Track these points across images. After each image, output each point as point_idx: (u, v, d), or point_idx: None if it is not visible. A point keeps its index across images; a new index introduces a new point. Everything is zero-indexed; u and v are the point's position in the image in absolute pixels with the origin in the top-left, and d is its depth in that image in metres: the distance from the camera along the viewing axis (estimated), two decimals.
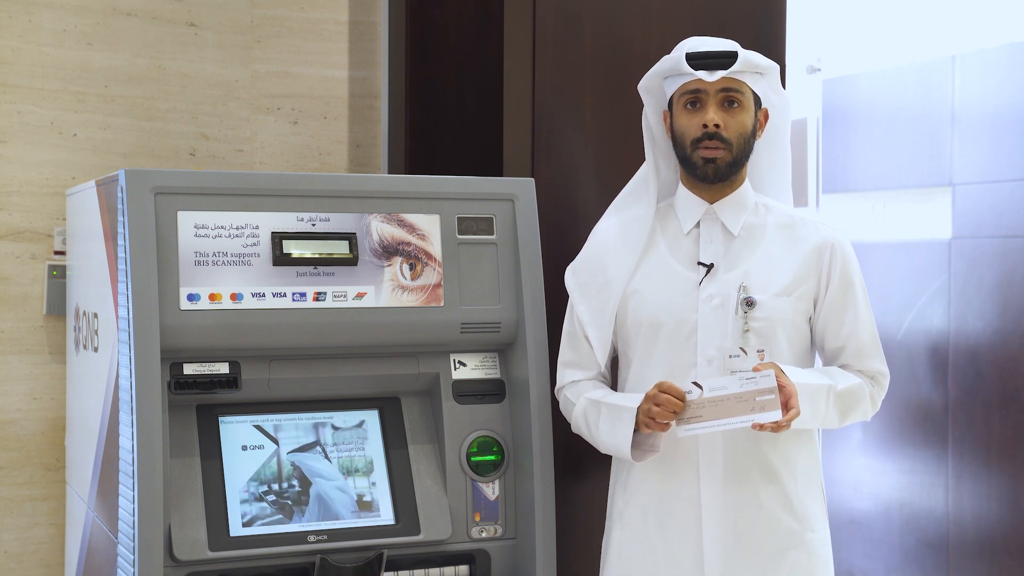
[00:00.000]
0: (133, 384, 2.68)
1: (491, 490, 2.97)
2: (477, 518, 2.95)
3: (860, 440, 5.28)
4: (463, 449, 2.95)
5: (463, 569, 2.95)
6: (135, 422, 2.68)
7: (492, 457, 2.97)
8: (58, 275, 3.51)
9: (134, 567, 2.67)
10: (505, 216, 2.99)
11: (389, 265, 2.89)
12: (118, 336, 2.79)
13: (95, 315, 3.06)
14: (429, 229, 2.93)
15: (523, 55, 3.30)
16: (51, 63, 3.54)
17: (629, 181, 2.93)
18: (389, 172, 3.90)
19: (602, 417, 2.77)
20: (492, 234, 2.98)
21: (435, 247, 2.93)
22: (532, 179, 3.04)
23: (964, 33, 5.25)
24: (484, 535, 2.95)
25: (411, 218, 2.92)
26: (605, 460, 3.38)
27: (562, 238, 3.29)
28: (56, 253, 3.53)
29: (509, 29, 3.33)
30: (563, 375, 2.91)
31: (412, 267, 2.91)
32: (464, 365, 2.99)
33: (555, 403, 3.00)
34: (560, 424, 3.08)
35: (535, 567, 2.92)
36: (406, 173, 3.83)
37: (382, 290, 2.88)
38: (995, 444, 4.85)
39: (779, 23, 3.51)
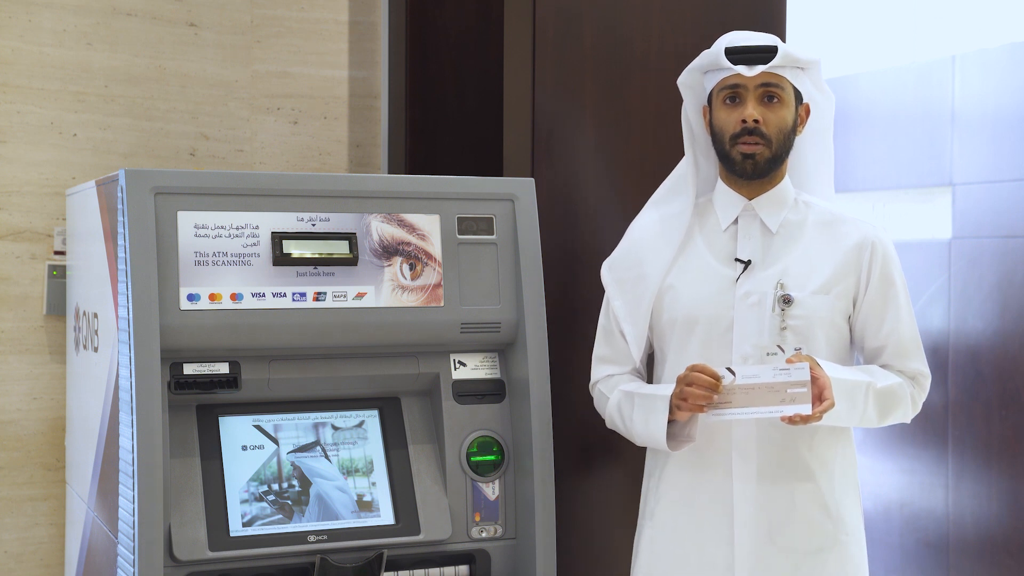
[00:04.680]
0: (133, 384, 2.68)
1: (491, 490, 2.97)
2: (477, 518, 2.95)
3: (860, 440, 5.28)
4: (463, 449, 2.94)
5: (463, 569, 2.94)
6: (135, 422, 2.68)
7: (492, 457, 2.97)
8: (58, 275, 3.51)
9: (134, 567, 2.67)
10: (505, 216, 2.99)
11: (389, 265, 2.89)
12: (118, 336, 2.79)
13: (95, 315, 3.06)
14: (429, 229, 2.93)
15: (523, 55, 3.30)
16: (51, 63, 3.54)
17: (668, 176, 2.88)
18: (389, 172, 3.90)
19: (636, 408, 2.74)
20: (492, 234, 2.98)
21: (435, 247, 2.93)
22: (532, 179, 3.04)
23: (964, 33, 5.25)
24: (484, 535, 2.95)
25: (411, 218, 2.92)
26: (605, 461, 3.38)
27: (562, 238, 3.29)
28: (56, 253, 3.53)
29: (509, 29, 3.33)
30: (597, 370, 2.88)
31: (412, 267, 2.91)
32: (464, 365, 2.99)
33: (555, 403, 2.99)
34: (560, 424, 3.08)
35: (535, 567, 2.92)
36: (406, 173, 3.83)
37: (382, 290, 2.88)
38: (995, 444, 4.85)
39: (779, 23, 3.51)
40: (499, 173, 3.33)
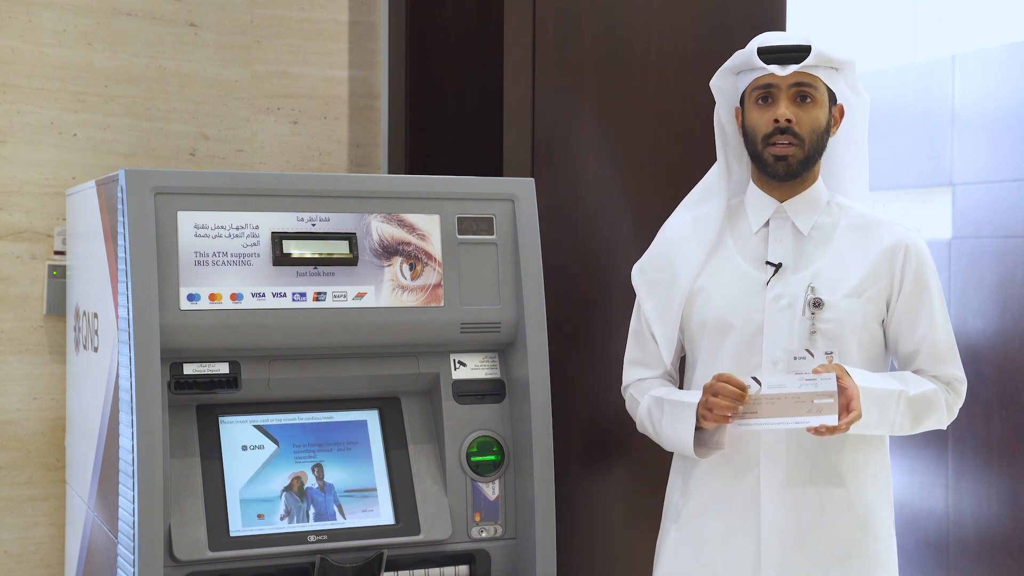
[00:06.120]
0: (133, 384, 2.68)
1: (491, 490, 2.97)
2: (477, 518, 2.95)
3: None
4: (463, 449, 2.94)
5: (463, 569, 2.94)
6: (135, 422, 2.68)
7: (492, 457, 2.97)
8: (58, 275, 3.51)
9: (134, 567, 2.67)
10: (505, 216, 2.99)
11: (389, 265, 2.89)
12: (118, 336, 2.79)
13: (95, 315, 3.06)
14: (429, 229, 2.93)
15: (523, 55, 3.30)
16: (51, 63, 3.54)
17: (700, 180, 2.86)
18: (389, 172, 3.90)
19: (665, 415, 2.71)
20: (492, 234, 2.98)
21: (435, 247, 2.93)
22: (532, 179, 3.04)
23: (964, 33, 5.25)
24: (484, 535, 2.95)
25: (411, 218, 2.92)
26: (605, 461, 3.38)
27: (562, 238, 3.29)
28: (56, 253, 3.53)
29: (509, 29, 3.33)
30: (629, 373, 2.86)
31: (412, 267, 2.91)
32: (464, 365, 2.99)
33: (555, 403, 2.99)
34: (560, 424, 3.08)
35: (535, 567, 2.92)
36: (406, 173, 3.83)
37: (382, 290, 2.88)
38: (995, 444, 4.85)
39: (779, 23, 3.51)
40: (499, 173, 3.33)
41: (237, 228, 2.80)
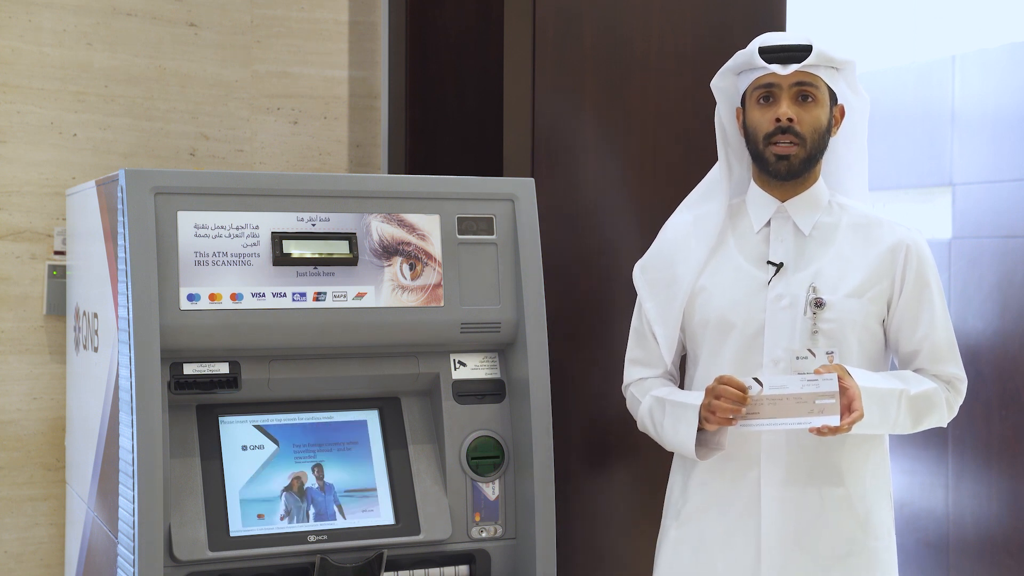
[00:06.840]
0: (133, 384, 2.68)
1: (491, 490, 2.97)
2: (477, 518, 2.95)
3: None
4: (463, 449, 2.94)
5: (463, 569, 2.94)
6: (135, 422, 2.68)
7: (492, 457, 2.97)
8: (58, 275, 3.51)
9: (134, 567, 2.67)
10: (505, 216, 2.99)
11: (389, 265, 2.89)
12: (118, 336, 2.79)
13: (95, 315, 3.06)
14: (429, 229, 2.93)
15: (523, 55, 3.30)
16: (51, 63, 3.54)
17: (701, 180, 2.86)
18: (389, 172, 3.90)
19: (667, 415, 2.71)
20: (492, 234, 2.98)
21: (435, 247, 2.93)
22: (532, 179, 3.04)
23: (964, 33, 5.25)
24: (484, 535, 2.95)
25: (411, 218, 2.92)
26: (605, 460, 3.38)
27: (562, 238, 3.29)
28: (56, 253, 3.53)
29: (509, 29, 3.33)
30: (630, 372, 2.86)
31: (412, 267, 2.91)
32: (464, 365, 2.99)
33: (555, 403, 2.99)
34: (560, 424, 3.08)
35: (535, 567, 2.92)
36: (406, 173, 3.83)
37: (382, 290, 2.88)
38: (995, 444, 4.85)
39: (779, 24, 3.51)
40: (499, 173, 3.33)
41: (237, 228, 2.80)
